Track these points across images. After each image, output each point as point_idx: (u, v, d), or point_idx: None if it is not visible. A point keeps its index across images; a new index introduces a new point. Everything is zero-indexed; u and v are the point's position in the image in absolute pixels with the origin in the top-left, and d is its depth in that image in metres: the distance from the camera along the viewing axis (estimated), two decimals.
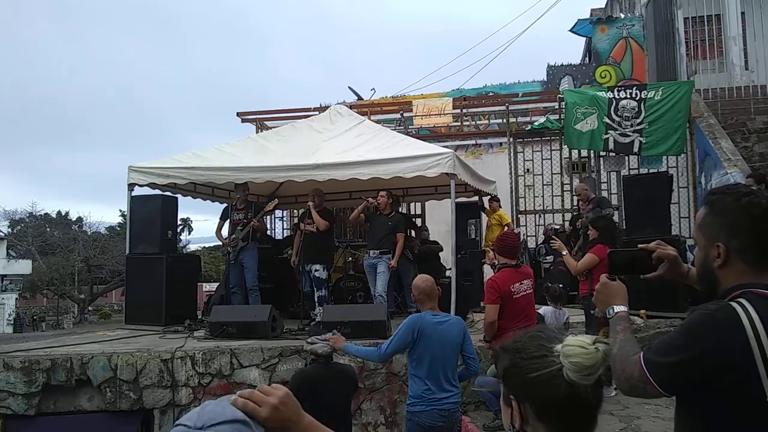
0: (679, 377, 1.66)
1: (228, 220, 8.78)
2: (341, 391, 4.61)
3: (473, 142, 15.82)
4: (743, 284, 1.68)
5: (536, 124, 12.58)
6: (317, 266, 8.10)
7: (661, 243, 2.11)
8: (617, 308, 1.95)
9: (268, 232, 11.70)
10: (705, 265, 1.81)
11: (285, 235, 13.22)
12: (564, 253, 6.27)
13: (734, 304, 1.62)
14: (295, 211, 12.76)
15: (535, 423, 1.34)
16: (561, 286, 7.53)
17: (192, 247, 47.44)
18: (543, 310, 6.51)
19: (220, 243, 8.90)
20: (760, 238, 1.69)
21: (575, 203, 11.18)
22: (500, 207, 10.66)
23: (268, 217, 11.41)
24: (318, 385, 4.46)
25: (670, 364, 1.66)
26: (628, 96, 10.96)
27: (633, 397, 1.90)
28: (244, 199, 8.68)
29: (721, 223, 1.76)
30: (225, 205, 9.31)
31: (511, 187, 12.11)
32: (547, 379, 1.30)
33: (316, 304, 8.04)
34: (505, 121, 12.96)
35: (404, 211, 11.32)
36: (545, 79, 18.63)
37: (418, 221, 12.18)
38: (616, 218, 10.57)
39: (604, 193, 11.40)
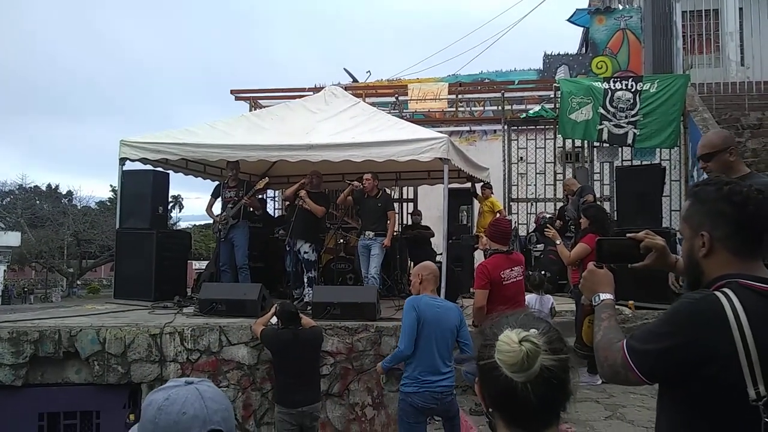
0: (661, 365, 1.67)
1: (219, 198, 8.76)
2: (308, 353, 5.39)
3: (468, 128, 15.80)
4: (728, 274, 1.69)
5: (531, 112, 12.58)
6: (306, 246, 8.10)
7: (649, 233, 2.12)
8: (603, 296, 1.98)
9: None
10: (690, 256, 1.83)
11: (277, 214, 13.20)
12: (558, 242, 6.29)
13: (718, 294, 1.64)
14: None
15: (492, 409, 1.33)
16: (544, 273, 7.60)
17: (182, 225, 47.38)
18: (528, 298, 6.56)
19: (211, 221, 8.88)
20: (742, 224, 1.72)
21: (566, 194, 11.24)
22: (492, 194, 10.68)
23: (262, 195, 11.34)
24: (288, 348, 5.26)
25: (653, 351, 1.68)
26: (624, 87, 10.97)
27: (616, 384, 1.92)
28: (235, 176, 8.65)
29: (705, 213, 1.78)
30: (217, 182, 9.29)
31: (504, 175, 12.14)
32: (489, 369, 1.28)
33: (305, 285, 8.04)
34: (500, 108, 12.97)
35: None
36: (541, 67, 18.59)
37: (410, 206, 12.21)
38: (607, 208, 10.62)
39: (596, 184, 11.44)
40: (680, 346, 1.63)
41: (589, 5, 19.61)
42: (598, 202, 10.03)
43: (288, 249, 8.44)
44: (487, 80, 17.94)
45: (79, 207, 42.91)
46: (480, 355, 1.32)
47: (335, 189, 11.35)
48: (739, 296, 1.61)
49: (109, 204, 43.77)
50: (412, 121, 10.11)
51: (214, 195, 8.83)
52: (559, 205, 11.43)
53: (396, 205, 11.35)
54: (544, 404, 1.25)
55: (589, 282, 2.04)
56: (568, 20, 18.80)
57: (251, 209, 8.65)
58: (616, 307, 2.03)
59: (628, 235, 2.14)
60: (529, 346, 1.24)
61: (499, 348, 1.26)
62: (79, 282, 41.77)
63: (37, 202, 45.58)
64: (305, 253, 8.10)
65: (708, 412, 1.64)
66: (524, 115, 12.66)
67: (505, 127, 12.42)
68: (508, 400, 1.26)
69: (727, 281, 1.68)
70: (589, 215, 6.39)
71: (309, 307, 7.07)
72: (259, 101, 13.53)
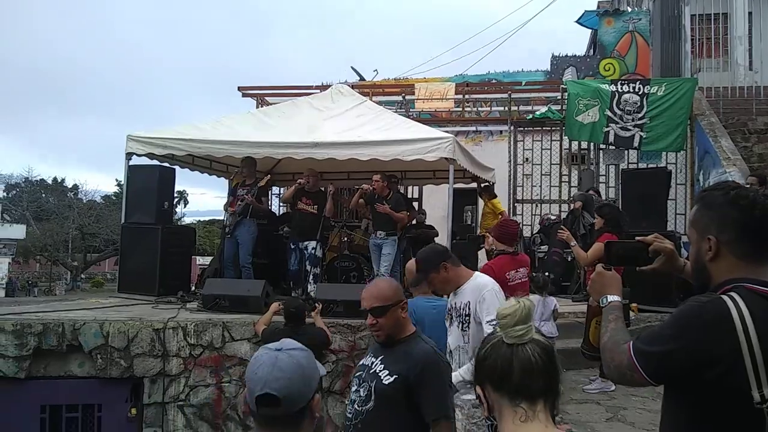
0: (666, 367, 1.68)
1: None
2: None
3: (474, 128, 15.76)
4: (736, 278, 1.70)
5: (538, 113, 12.54)
6: (313, 243, 8.10)
7: (658, 236, 2.12)
8: (611, 298, 1.98)
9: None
10: (697, 260, 1.83)
11: (281, 212, 13.18)
12: (573, 244, 6.24)
13: (725, 298, 1.64)
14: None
15: (495, 398, 1.46)
16: (547, 274, 7.55)
17: (187, 220, 47.48)
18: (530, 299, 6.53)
19: (216, 217, 8.89)
20: (748, 229, 1.72)
21: (572, 194, 11.22)
22: (496, 197, 10.65)
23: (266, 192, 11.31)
24: None
25: (658, 353, 1.68)
26: (631, 90, 10.94)
27: (622, 385, 1.93)
28: (251, 174, 8.60)
29: (712, 217, 1.79)
30: (228, 180, 9.26)
31: (510, 176, 12.11)
32: (491, 348, 1.49)
33: (311, 281, 8.04)
34: (506, 109, 12.94)
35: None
36: (549, 69, 18.55)
37: (415, 205, 12.19)
38: None
39: (602, 186, 11.41)
40: (686, 348, 1.63)
41: (598, 7, 19.55)
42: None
43: (292, 248, 8.42)
44: (494, 81, 17.89)
45: (84, 201, 43.04)
46: (481, 353, 1.51)
47: (340, 187, 11.36)
48: (746, 300, 1.62)
49: (114, 198, 43.95)
50: (418, 121, 10.10)
51: (231, 193, 8.80)
52: (564, 206, 11.41)
53: None
54: (544, 366, 1.43)
55: (597, 284, 2.04)
56: (577, 22, 18.77)
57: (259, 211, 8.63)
58: None
59: (636, 238, 2.14)
60: (527, 302, 1.50)
61: (501, 313, 1.48)
62: (83, 276, 41.86)
63: (43, 195, 45.74)
64: (312, 249, 8.10)
65: (712, 414, 1.65)
66: (531, 116, 12.63)
67: (512, 128, 12.39)
68: (511, 370, 1.42)
69: (734, 285, 1.68)
70: (604, 214, 6.31)
71: (317, 303, 7.07)
72: (266, 98, 13.52)
